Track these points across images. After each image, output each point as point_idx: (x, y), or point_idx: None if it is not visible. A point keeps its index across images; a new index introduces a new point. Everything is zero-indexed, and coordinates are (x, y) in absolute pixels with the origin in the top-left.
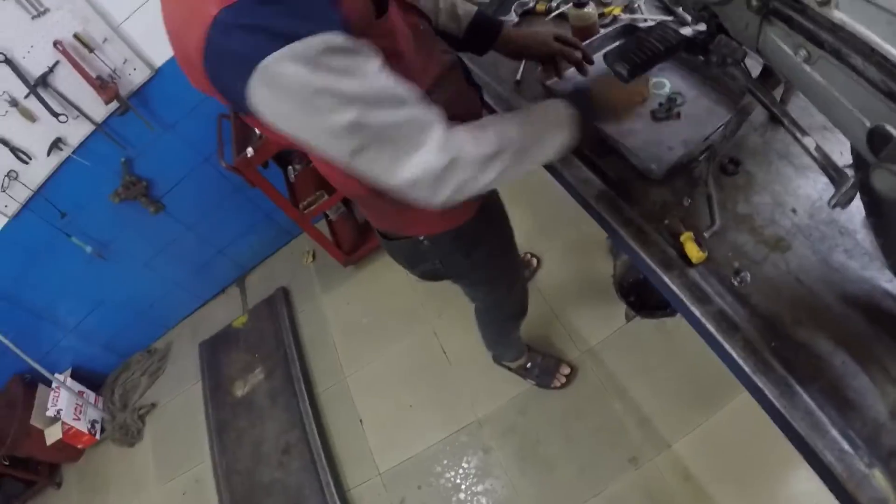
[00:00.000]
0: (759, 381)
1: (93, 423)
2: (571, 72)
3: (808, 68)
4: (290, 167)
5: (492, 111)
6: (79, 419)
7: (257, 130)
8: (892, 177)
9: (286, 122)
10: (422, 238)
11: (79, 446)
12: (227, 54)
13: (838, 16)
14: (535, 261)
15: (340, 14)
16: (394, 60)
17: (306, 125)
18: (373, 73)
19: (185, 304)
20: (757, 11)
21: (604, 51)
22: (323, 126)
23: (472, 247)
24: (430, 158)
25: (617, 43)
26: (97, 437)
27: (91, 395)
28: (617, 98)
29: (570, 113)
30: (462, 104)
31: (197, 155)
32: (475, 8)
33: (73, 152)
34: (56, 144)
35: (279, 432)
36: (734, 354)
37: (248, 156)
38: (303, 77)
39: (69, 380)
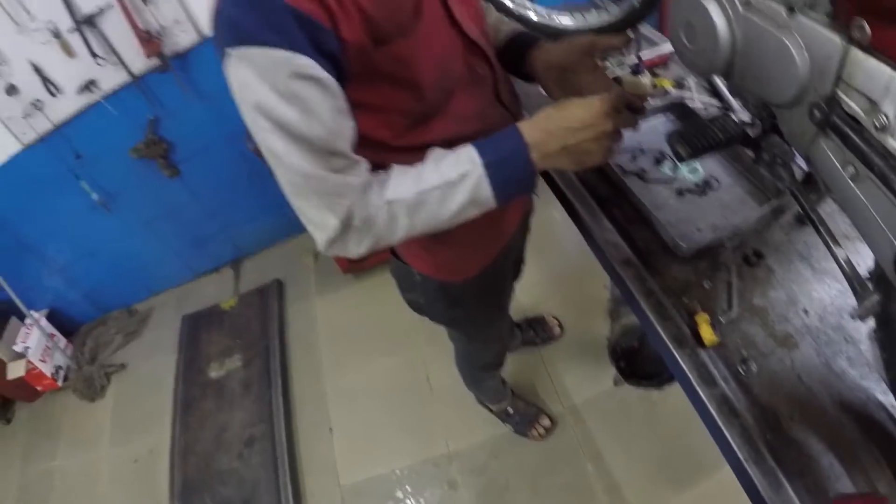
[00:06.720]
0: (750, 469)
1: (58, 368)
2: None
3: (852, 184)
4: None
5: None
6: (45, 361)
7: None
8: None
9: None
10: (415, 271)
11: (38, 388)
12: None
13: (893, 143)
14: (557, 328)
15: (338, 36)
16: (406, 92)
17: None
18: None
19: (176, 272)
20: (817, 123)
21: (653, 119)
22: (257, 135)
23: (455, 304)
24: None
25: (664, 120)
26: (59, 383)
27: (62, 341)
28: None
29: (477, 175)
30: None
31: (224, 130)
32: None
33: (104, 98)
34: (88, 86)
35: (246, 423)
36: (730, 439)
37: None
38: (251, 82)
39: (44, 320)
